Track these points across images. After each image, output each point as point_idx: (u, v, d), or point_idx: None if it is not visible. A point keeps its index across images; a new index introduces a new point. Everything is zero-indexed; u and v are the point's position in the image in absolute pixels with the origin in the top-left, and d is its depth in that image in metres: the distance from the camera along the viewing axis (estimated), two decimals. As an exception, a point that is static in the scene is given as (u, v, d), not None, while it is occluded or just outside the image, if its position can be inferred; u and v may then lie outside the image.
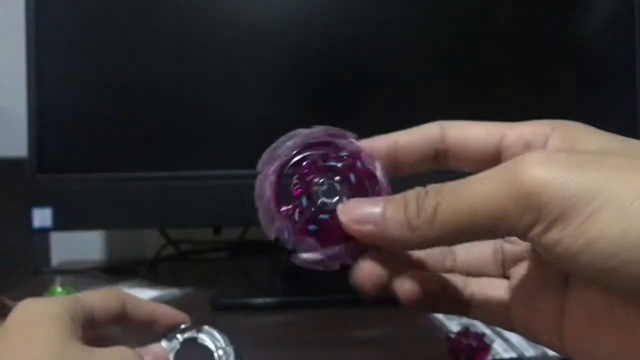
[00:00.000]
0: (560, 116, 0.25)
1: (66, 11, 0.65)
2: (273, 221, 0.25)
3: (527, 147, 0.24)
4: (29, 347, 0.26)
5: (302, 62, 0.65)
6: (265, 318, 0.58)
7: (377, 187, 0.26)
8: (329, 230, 0.25)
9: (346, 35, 0.65)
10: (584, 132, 0.23)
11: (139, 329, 0.34)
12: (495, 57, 0.66)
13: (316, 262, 0.25)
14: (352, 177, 0.26)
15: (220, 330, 0.37)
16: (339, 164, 0.26)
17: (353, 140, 0.27)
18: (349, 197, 0.25)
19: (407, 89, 0.66)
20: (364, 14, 0.65)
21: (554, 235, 0.19)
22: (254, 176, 0.26)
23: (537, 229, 0.19)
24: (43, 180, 0.64)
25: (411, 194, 0.23)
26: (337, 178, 0.26)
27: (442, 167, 0.26)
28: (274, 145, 0.26)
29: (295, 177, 0.26)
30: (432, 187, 0.22)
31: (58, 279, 0.63)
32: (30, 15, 0.64)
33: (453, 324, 0.52)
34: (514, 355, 0.45)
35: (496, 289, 0.27)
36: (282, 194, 0.26)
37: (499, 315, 0.26)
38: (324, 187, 0.25)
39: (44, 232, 0.72)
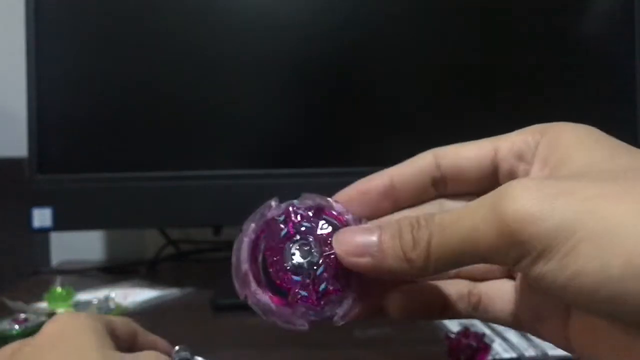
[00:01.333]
0: (559, 119, 0.25)
1: (66, 11, 0.65)
2: (293, 313, 0.25)
3: (520, 158, 0.24)
4: (74, 356, 0.26)
5: (302, 63, 0.65)
6: (265, 318, 0.58)
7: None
8: (334, 275, 0.24)
9: (346, 37, 0.65)
10: (572, 140, 0.23)
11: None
12: (495, 60, 0.66)
13: (352, 309, 0.25)
14: (314, 226, 0.25)
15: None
16: (288, 228, 0.25)
17: (313, 199, 0.26)
18: (322, 250, 0.25)
19: (407, 90, 0.66)
20: (364, 16, 0.65)
21: (539, 269, 0.19)
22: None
23: (523, 263, 0.19)
24: (43, 180, 0.64)
25: (405, 224, 0.22)
26: (298, 237, 0.25)
27: (442, 192, 0.26)
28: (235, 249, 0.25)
29: (271, 270, 0.25)
30: (423, 218, 0.22)
31: (58, 279, 0.62)
32: (30, 16, 0.64)
33: (453, 324, 0.52)
34: (514, 355, 0.45)
35: (503, 292, 0.26)
36: (274, 288, 0.25)
37: (507, 317, 0.26)
38: (297, 254, 0.25)
39: (44, 232, 0.72)
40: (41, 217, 0.63)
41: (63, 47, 0.65)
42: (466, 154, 0.26)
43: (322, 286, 0.24)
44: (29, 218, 0.63)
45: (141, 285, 0.69)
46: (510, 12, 0.66)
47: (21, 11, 0.64)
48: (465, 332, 0.45)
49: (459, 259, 0.21)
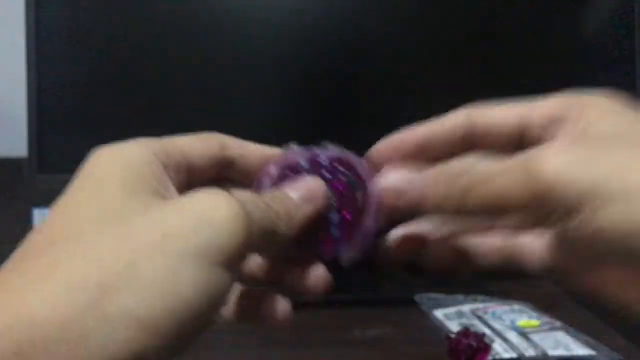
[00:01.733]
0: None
1: (66, 11, 0.65)
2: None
3: (549, 123, 0.26)
4: (96, 201, 0.23)
5: (302, 63, 0.65)
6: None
7: (367, 197, 0.27)
8: (345, 223, 0.27)
9: (346, 37, 0.65)
10: (597, 109, 0.25)
11: (247, 182, 0.28)
12: (495, 59, 0.67)
13: (352, 253, 0.27)
14: (333, 181, 0.28)
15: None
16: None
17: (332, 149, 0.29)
18: (339, 205, 0.27)
19: (407, 90, 0.66)
20: (365, 16, 0.65)
21: (567, 224, 0.21)
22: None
23: (552, 219, 0.21)
24: (43, 180, 0.64)
25: (447, 169, 0.25)
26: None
27: (470, 150, 0.27)
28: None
29: None
30: (464, 168, 0.24)
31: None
32: (30, 15, 0.64)
33: (453, 324, 0.52)
34: (514, 355, 0.45)
35: (534, 246, 0.28)
36: None
37: (538, 269, 0.28)
38: None
39: (44, 232, 0.72)
40: (41, 217, 0.63)
41: (63, 46, 0.65)
42: (499, 115, 0.27)
43: (334, 232, 0.27)
44: (29, 218, 0.63)
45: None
46: (510, 12, 0.66)
47: (21, 11, 0.64)
48: (465, 332, 0.45)
49: (492, 212, 0.24)
